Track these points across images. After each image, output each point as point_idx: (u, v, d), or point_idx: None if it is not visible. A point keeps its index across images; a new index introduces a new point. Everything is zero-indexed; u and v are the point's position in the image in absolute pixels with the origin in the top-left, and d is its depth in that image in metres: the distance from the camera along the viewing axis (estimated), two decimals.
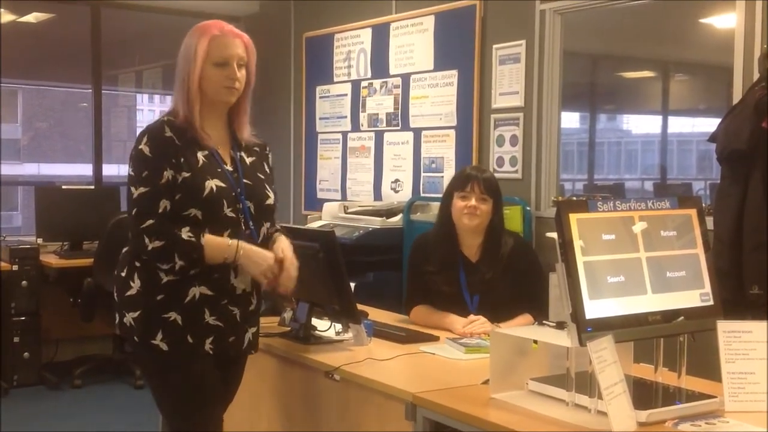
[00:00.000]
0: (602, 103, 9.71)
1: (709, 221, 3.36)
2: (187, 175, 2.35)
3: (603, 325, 1.92)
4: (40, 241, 5.42)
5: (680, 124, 10.50)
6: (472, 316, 3.01)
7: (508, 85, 4.65)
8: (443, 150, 5.03)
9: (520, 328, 2.27)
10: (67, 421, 4.64)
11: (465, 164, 4.60)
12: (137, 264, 2.40)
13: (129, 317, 2.39)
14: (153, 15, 6.48)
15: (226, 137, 2.51)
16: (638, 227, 2.04)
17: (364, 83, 5.61)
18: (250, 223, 2.44)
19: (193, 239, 2.31)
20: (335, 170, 5.87)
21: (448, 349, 2.76)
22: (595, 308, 1.92)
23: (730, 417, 1.99)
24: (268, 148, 2.64)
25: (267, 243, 2.50)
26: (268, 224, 2.53)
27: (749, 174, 3.32)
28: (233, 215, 2.41)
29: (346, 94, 5.78)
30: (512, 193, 4.42)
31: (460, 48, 4.88)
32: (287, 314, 2.99)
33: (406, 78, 5.27)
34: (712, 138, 3.48)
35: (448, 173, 4.87)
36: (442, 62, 5.03)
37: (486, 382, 2.22)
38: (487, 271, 3.14)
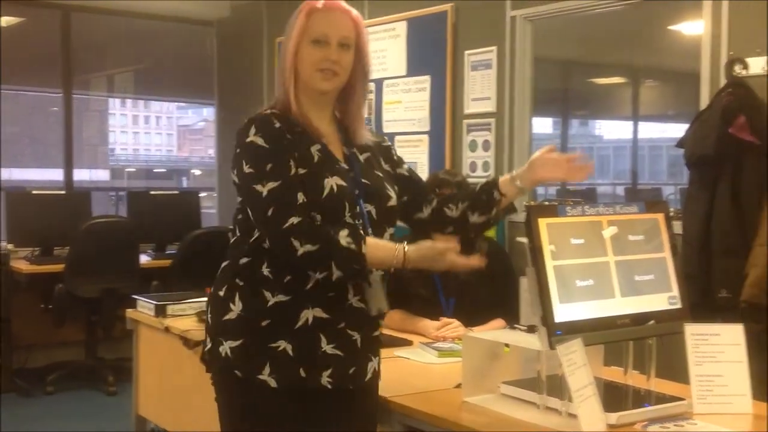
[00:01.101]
0: (574, 108, 9.80)
1: (678, 225, 3.42)
2: (303, 171, 1.97)
3: (573, 329, 1.94)
4: (10, 246, 5.37)
5: (651, 130, 10.62)
6: (445, 320, 3.02)
7: (480, 91, 4.68)
8: (416, 155, 5.04)
9: (492, 332, 2.29)
10: (39, 428, 4.59)
11: (439, 169, 4.62)
12: (239, 282, 2.02)
13: (227, 346, 2.00)
14: (124, 19, 6.44)
15: (334, 133, 2.12)
16: (609, 232, 2.07)
17: None
18: (370, 231, 2.03)
19: (353, 246, 1.91)
20: None
21: (421, 354, 2.77)
22: (565, 312, 1.95)
23: (698, 419, 2.01)
24: (387, 140, 2.28)
25: None
26: (391, 230, 2.13)
27: (717, 179, 3.37)
28: (351, 221, 2.01)
29: None
30: None
31: (432, 54, 4.90)
32: None
33: (379, 83, 5.28)
34: (680, 143, 3.53)
35: (422, 178, 4.88)
36: (414, 68, 5.06)
37: (459, 386, 2.24)
38: (462, 273, 3.15)
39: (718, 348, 2.07)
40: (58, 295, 5.08)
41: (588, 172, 2.15)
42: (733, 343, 2.07)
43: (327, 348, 1.99)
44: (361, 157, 2.12)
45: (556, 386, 1.98)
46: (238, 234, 2.07)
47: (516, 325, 2.24)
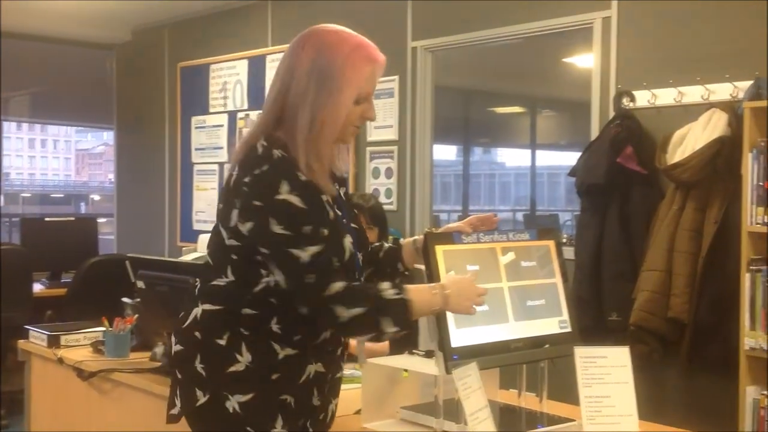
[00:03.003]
0: (476, 136, 10.01)
1: (571, 251, 3.54)
2: (326, 233, 1.85)
3: (468, 353, 1.98)
4: None
5: (551, 157, 10.93)
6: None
7: (382, 119, 4.75)
8: None
9: (392, 357, 2.32)
10: None
11: None
12: (245, 332, 1.87)
13: (234, 401, 1.86)
14: (20, 42, 6.26)
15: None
16: (506, 259, 2.13)
17: (240, 114, 5.60)
18: (362, 280, 2.00)
19: (400, 296, 1.83)
20: (212, 201, 5.81)
21: None
22: (461, 337, 1.99)
23: None
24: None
25: None
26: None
27: (607, 207, 3.51)
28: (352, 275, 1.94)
29: (222, 125, 5.75)
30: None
31: None
32: (159, 349, 2.94)
33: None
34: (572, 172, 3.66)
35: None
36: None
37: (359, 411, 2.25)
38: None
39: (605, 370, 2.14)
40: None
41: (492, 226, 2.14)
42: (620, 365, 2.15)
43: (315, 399, 1.95)
44: (342, 194, 2.03)
45: (453, 410, 2.02)
46: (230, 277, 1.90)
47: (414, 351, 2.27)
